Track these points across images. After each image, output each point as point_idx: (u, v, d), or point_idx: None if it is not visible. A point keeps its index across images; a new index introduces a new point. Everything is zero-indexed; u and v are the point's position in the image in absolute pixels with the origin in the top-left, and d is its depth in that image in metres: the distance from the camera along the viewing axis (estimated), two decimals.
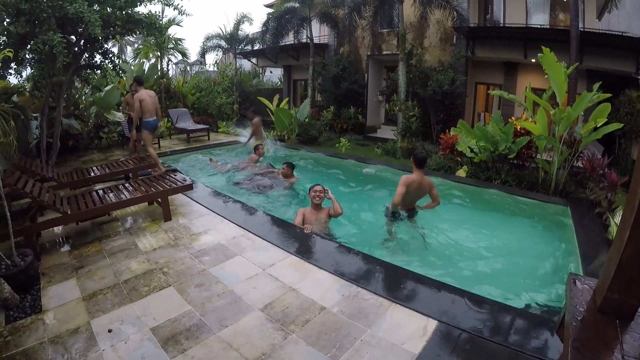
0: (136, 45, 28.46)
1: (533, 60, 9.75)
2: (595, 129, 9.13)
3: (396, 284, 4.70)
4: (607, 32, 14.27)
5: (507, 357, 3.45)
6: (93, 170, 8.20)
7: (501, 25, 17.61)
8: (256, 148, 11.27)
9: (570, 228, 7.38)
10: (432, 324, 3.87)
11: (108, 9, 8.93)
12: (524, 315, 4.21)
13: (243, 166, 11.03)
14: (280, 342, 3.56)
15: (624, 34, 12.90)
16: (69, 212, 5.65)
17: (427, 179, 6.82)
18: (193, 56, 25.86)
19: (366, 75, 20.35)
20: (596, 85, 9.66)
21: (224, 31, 22.25)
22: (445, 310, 4.13)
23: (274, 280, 4.70)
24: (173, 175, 7.72)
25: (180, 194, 7.67)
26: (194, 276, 4.80)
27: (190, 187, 7.17)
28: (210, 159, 11.37)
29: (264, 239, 5.87)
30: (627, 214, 1.75)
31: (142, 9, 11.13)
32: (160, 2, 10.12)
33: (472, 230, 7.28)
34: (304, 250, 5.55)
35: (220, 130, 18.73)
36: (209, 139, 16.09)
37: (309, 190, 6.82)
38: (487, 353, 3.51)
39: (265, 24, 19.76)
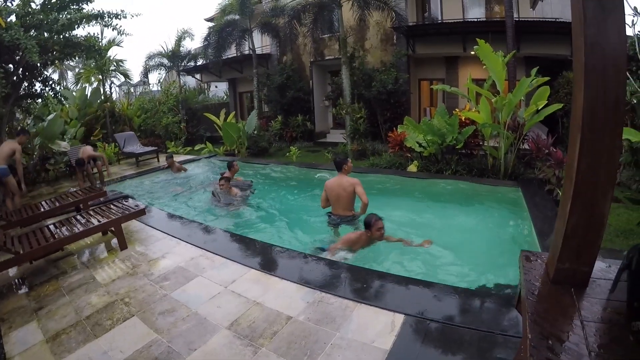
0: (77, 70, 27.75)
1: (472, 53, 10.05)
2: (537, 111, 9.46)
3: (359, 284, 4.71)
4: (542, 19, 14.81)
5: (477, 339, 3.52)
6: (42, 205, 7.85)
7: (439, 21, 18.08)
8: (230, 166, 10.45)
9: (524, 207, 7.65)
10: (400, 318, 3.90)
11: (45, 34, 8.66)
12: (488, 297, 4.32)
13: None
14: (251, 358, 3.52)
15: (557, 20, 13.42)
16: (22, 252, 5.40)
17: (348, 178, 6.98)
18: (136, 77, 25.36)
19: (311, 81, 20.46)
20: (534, 70, 10.08)
21: (165, 49, 21.87)
22: (411, 303, 4.18)
23: (237, 297, 4.63)
24: (125, 202, 7.51)
25: (134, 220, 7.45)
26: (156, 303, 4.67)
27: (142, 212, 7.00)
28: (213, 192, 9.95)
29: (222, 257, 5.78)
30: (567, 187, 1.83)
31: (80, 32, 10.89)
32: (98, 24, 9.91)
33: (429, 222, 7.46)
34: (264, 263, 5.51)
35: (169, 150, 18.35)
36: (158, 161, 15.75)
37: (370, 225, 5.97)
38: (457, 339, 3.57)
39: (207, 38, 19.58)
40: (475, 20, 17.06)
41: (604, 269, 1.98)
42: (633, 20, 7.70)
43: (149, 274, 5.50)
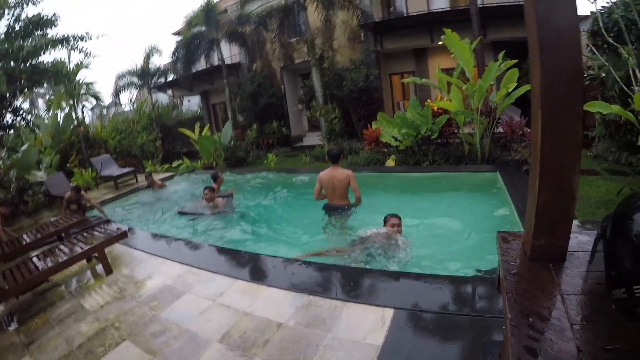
0: (47, 97, 27.30)
1: (440, 43, 10.16)
2: (508, 94, 9.61)
3: (346, 283, 4.72)
4: (505, 4, 15.00)
5: (467, 325, 3.56)
6: (24, 238, 7.71)
7: (405, 15, 18.16)
8: (216, 178, 10.39)
9: (503, 189, 7.82)
10: (389, 313, 3.90)
11: (11, 62, 8.52)
12: (476, 282, 4.37)
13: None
14: None
15: (520, 3, 13.61)
16: (7, 288, 5.31)
17: (343, 170, 7.07)
18: (107, 98, 25.02)
19: (282, 86, 20.48)
20: (501, 54, 10.28)
21: (134, 67, 21.63)
22: (399, 296, 4.20)
23: (226, 309, 4.60)
24: (106, 226, 7.41)
25: (118, 244, 7.35)
26: (146, 324, 4.61)
27: (125, 235, 6.90)
28: (179, 211, 9.87)
29: (208, 271, 5.73)
30: (534, 164, 1.84)
31: (47, 58, 10.69)
32: (64, 48, 9.78)
33: (412, 213, 7.44)
34: (250, 273, 5.50)
35: (147, 170, 18.08)
36: (137, 181, 15.53)
37: (384, 222, 6.06)
38: (448, 326, 3.60)
39: (175, 53, 19.46)
40: (440, 10, 17.22)
41: (581, 242, 1.99)
42: None
43: (137, 296, 5.44)
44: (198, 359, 3.75)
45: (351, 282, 4.69)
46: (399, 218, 5.97)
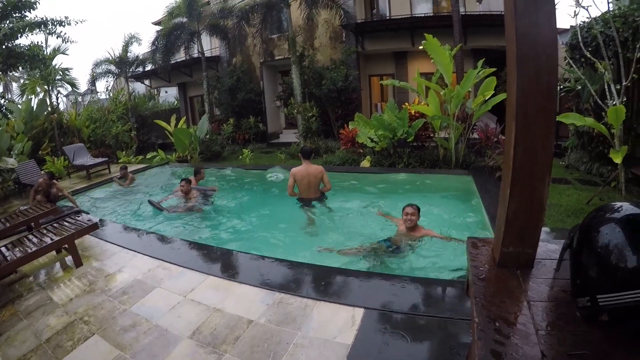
0: (22, 81, 26.60)
1: (420, 47, 10.29)
2: (485, 101, 9.78)
3: (317, 282, 4.75)
4: (487, 13, 15.23)
5: (437, 326, 3.63)
6: None
7: (387, 18, 18.29)
8: (197, 172, 10.30)
9: (476, 194, 7.95)
10: (360, 313, 3.94)
11: None
12: (446, 284, 4.46)
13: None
14: None
15: (502, 13, 13.86)
16: None
17: (315, 166, 7.78)
18: (83, 85, 24.44)
19: (261, 82, 20.40)
20: (480, 62, 10.44)
21: (112, 55, 21.20)
22: (370, 296, 4.24)
23: (197, 305, 4.57)
24: (77, 217, 7.27)
25: (88, 236, 7.22)
26: (116, 318, 4.55)
27: (96, 226, 6.77)
28: (150, 202, 9.67)
29: (180, 266, 5.67)
30: (506, 173, 1.90)
31: (23, 41, 10.36)
32: (42, 32, 9.58)
33: (375, 215, 7.56)
34: (222, 269, 5.47)
35: (120, 160, 17.67)
36: (110, 172, 15.24)
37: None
38: (417, 327, 3.65)
39: (155, 43, 19.16)
40: (423, 15, 17.47)
41: (549, 250, 2.05)
42: (575, 11, 8.06)
43: (107, 289, 5.35)
44: (168, 355, 3.72)
45: (322, 281, 4.71)
46: (414, 207, 5.93)
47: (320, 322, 3.89)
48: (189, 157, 16.01)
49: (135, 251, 6.50)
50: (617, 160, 6.85)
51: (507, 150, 1.86)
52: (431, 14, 18.09)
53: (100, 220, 7.91)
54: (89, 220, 6.93)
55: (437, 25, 15.59)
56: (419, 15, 17.80)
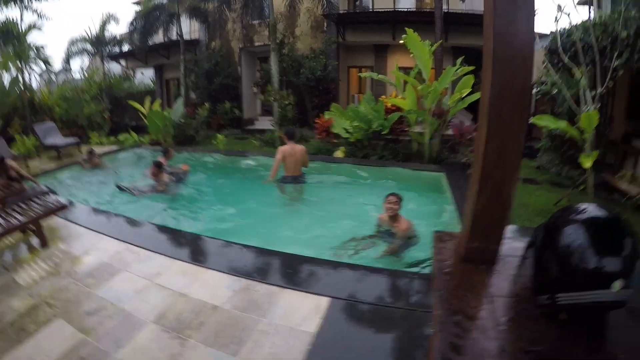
0: None
1: (401, 42, 10.33)
2: (462, 99, 9.90)
3: (284, 269, 4.76)
4: (470, 12, 15.36)
5: (400, 317, 3.66)
6: None
7: (370, 10, 18.30)
8: (166, 151, 10.17)
9: (448, 190, 8.06)
10: (325, 301, 3.94)
11: None
12: (412, 276, 4.47)
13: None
14: (179, 350, 3.46)
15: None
16: None
17: (299, 146, 8.41)
18: (58, 64, 23.81)
19: (239, 68, 20.19)
20: (459, 60, 10.55)
21: (89, 34, 20.76)
22: (336, 286, 4.26)
23: (163, 289, 4.52)
24: (45, 198, 7.09)
25: (56, 217, 7.05)
26: (81, 302, 4.46)
27: (64, 207, 6.63)
28: (118, 185, 9.37)
29: (148, 250, 5.56)
30: (476, 170, 1.93)
31: None
32: (17, 6, 9.32)
33: (354, 206, 7.68)
34: (190, 254, 5.43)
35: (92, 141, 17.06)
36: (81, 152, 14.76)
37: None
38: (381, 318, 3.69)
39: (133, 23, 18.84)
40: (406, 10, 17.52)
41: (513, 247, 2.08)
42: (556, 16, 8.16)
43: (73, 272, 5.23)
44: (132, 339, 3.67)
45: (289, 269, 4.72)
46: (396, 196, 5.91)
47: (285, 310, 3.89)
48: (162, 141, 15.60)
49: (103, 234, 6.35)
50: (587, 164, 6.98)
51: (478, 148, 1.89)
52: (414, 9, 18.19)
53: (69, 201, 7.75)
54: (57, 202, 6.77)
55: (420, 20, 15.63)
56: (402, 9, 17.83)
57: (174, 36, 19.44)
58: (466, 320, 1.57)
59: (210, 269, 4.87)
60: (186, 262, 5.13)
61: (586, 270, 1.39)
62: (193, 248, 5.66)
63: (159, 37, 20.92)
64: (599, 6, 14.08)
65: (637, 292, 1.67)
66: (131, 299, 4.38)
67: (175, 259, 5.22)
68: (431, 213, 7.18)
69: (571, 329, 1.52)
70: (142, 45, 18.71)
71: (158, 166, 8.92)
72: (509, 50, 1.72)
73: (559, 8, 8.11)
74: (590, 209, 1.56)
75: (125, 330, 3.82)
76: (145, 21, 18.19)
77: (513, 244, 2.12)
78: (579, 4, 16.50)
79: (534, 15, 1.74)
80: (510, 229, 2.19)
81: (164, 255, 5.36)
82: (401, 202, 5.89)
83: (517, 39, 1.72)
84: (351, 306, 3.87)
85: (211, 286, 4.50)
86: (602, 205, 1.59)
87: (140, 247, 5.67)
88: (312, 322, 3.64)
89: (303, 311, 3.83)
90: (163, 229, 6.48)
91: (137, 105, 16.69)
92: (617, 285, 1.35)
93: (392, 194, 5.91)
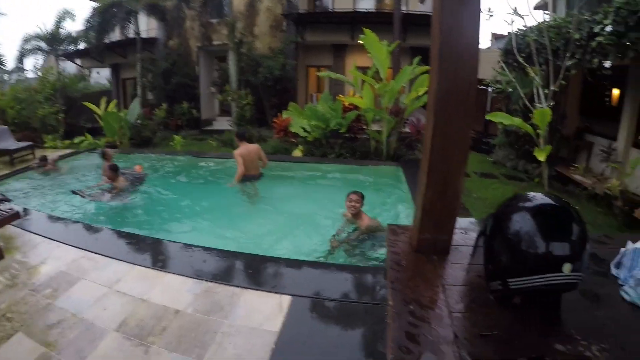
0: None
1: (360, 41, 10.47)
2: (418, 97, 10.08)
3: (245, 270, 4.76)
4: (429, 13, 15.67)
5: (362, 311, 3.72)
6: None
7: (330, 10, 18.42)
8: (104, 154, 9.80)
9: (405, 186, 8.23)
10: (287, 300, 3.97)
11: None
12: (373, 271, 4.55)
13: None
14: (143, 357, 3.42)
15: None
16: None
17: (253, 145, 8.57)
18: (11, 63, 22.83)
19: (197, 67, 19.92)
20: (416, 60, 10.79)
21: (43, 31, 20.05)
22: (297, 284, 4.29)
23: (123, 296, 4.44)
24: None
25: (9, 226, 6.78)
26: (40, 314, 4.32)
27: (17, 216, 6.36)
28: (73, 191, 9.07)
29: (106, 256, 5.42)
30: (424, 163, 2.00)
31: None
32: None
33: (314, 203, 7.77)
34: (149, 258, 5.33)
35: (47, 145, 16.28)
36: (34, 157, 14.21)
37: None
38: (344, 314, 3.74)
39: (89, 20, 18.18)
40: (365, 10, 17.71)
41: (466, 237, 2.16)
42: (512, 19, 8.46)
43: (30, 283, 5.06)
44: (94, 349, 3.61)
45: (250, 269, 4.71)
46: (358, 194, 5.93)
47: (247, 310, 3.89)
48: (118, 143, 15.16)
49: (59, 242, 6.16)
50: (541, 158, 7.25)
51: (426, 143, 1.96)
52: (373, 10, 18.44)
53: (24, 209, 7.51)
54: (10, 209, 6.53)
55: (379, 21, 15.91)
56: (362, 10, 18.02)
57: (131, 34, 19.00)
58: (420, 309, 1.63)
59: (171, 272, 4.81)
60: (146, 267, 5.05)
61: (535, 255, 1.46)
62: (152, 252, 5.54)
63: (115, 35, 20.40)
64: (554, 10, 14.62)
65: (592, 275, 1.78)
66: (91, 308, 4.29)
67: (135, 264, 5.12)
68: (390, 208, 7.31)
69: (525, 313, 1.59)
70: (98, 43, 18.18)
71: (114, 169, 8.60)
72: (455, 50, 1.79)
73: (515, 11, 8.38)
74: (537, 197, 1.62)
75: (87, 340, 3.75)
76: (102, 18, 17.62)
77: (466, 234, 2.20)
78: (535, 8, 17.12)
79: (480, 17, 1.81)
80: (463, 221, 2.27)
81: (123, 261, 5.25)
82: (363, 200, 5.94)
83: (462, 39, 1.79)
84: (314, 304, 3.90)
85: (172, 290, 4.45)
86: (549, 194, 1.65)
87: (98, 253, 5.52)
88: (274, 322, 3.66)
89: (265, 311, 3.84)
90: (121, 233, 6.31)
91: (92, 107, 16.18)
92: (567, 268, 1.41)
93: (354, 192, 5.96)
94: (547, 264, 1.44)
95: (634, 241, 1.95)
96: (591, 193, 8.03)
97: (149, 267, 5.03)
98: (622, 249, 1.93)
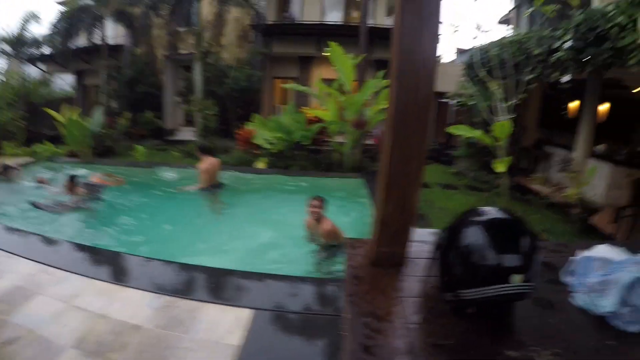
0: None
1: (326, 54, 10.61)
2: (382, 110, 10.25)
3: (205, 283, 4.72)
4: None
5: (324, 323, 3.75)
6: None
7: (298, 22, 18.52)
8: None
9: (367, 198, 8.40)
10: (248, 313, 3.95)
11: None
12: (334, 283, 4.57)
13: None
14: None
15: None
16: None
17: (214, 159, 8.90)
18: None
19: (163, 76, 19.77)
20: (380, 73, 10.99)
21: (7, 33, 19.50)
22: (259, 297, 4.28)
23: (82, 312, 4.31)
24: None
25: None
26: None
27: None
28: (33, 203, 8.58)
29: (63, 270, 5.24)
30: (382, 178, 2.02)
31: None
32: None
33: (276, 217, 7.77)
34: (107, 272, 5.21)
35: (6, 152, 15.49)
36: None
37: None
38: (306, 326, 3.78)
39: (56, 24, 17.79)
40: (332, 23, 17.93)
41: (422, 250, 2.19)
42: (475, 34, 8.74)
43: None
44: None
45: (211, 283, 4.68)
46: (318, 199, 5.97)
47: (208, 325, 3.86)
48: (80, 152, 14.70)
49: (15, 254, 5.90)
50: (501, 169, 7.44)
51: (384, 158, 1.99)
52: (341, 23, 18.70)
53: None
54: None
55: (346, 34, 16.03)
56: (329, 23, 18.31)
57: (97, 40, 18.66)
58: (376, 321, 1.65)
59: (130, 287, 4.71)
60: (104, 281, 4.91)
61: (487, 267, 1.50)
62: (111, 266, 5.40)
63: (81, 41, 19.94)
64: (517, 25, 15.11)
65: (545, 283, 1.85)
66: (49, 324, 4.14)
67: (93, 278, 4.98)
68: (352, 220, 7.37)
69: (479, 322, 1.63)
70: (63, 48, 17.80)
71: (73, 180, 8.44)
72: (413, 66, 1.84)
73: (478, 26, 8.62)
74: (489, 211, 1.68)
75: (45, 358, 3.65)
76: (69, 22, 17.28)
77: (422, 246, 2.24)
78: (499, 22, 17.66)
79: (439, 33, 1.87)
80: (422, 232, 2.32)
81: (81, 275, 5.09)
82: (324, 205, 6.00)
83: (421, 56, 1.84)
84: (276, 317, 3.90)
85: (131, 305, 4.36)
86: (502, 208, 1.71)
87: (56, 267, 5.31)
88: (236, 335, 3.64)
89: (226, 325, 3.82)
90: (79, 246, 6.11)
91: (54, 114, 15.70)
92: (517, 279, 1.46)
93: (315, 198, 6.01)
94: (498, 275, 1.48)
95: (586, 249, 2.03)
96: (549, 202, 8.49)
97: (108, 282, 4.90)
98: (574, 257, 2.00)
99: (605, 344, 1.57)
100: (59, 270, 5.25)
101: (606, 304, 1.68)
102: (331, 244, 5.94)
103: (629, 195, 8.41)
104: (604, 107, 11.08)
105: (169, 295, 4.44)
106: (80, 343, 3.77)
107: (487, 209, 1.69)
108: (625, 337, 1.60)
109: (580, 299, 1.79)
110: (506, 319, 1.65)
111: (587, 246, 2.05)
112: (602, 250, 1.95)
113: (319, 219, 5.95)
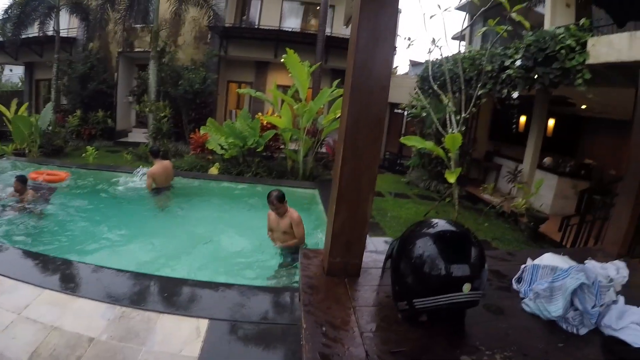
0: None
1: (282, 60, 10.65)
2: (336, 119, 10.43)
3: (160, 293, 4.63)
4: None
5: (281, 332, 3.80)
6: None
7: (256, 26, 18.58)
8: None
9: (320, 206, 8.40)
10: (204, 324, 3.93)
11: None
12: (289, 292, 4.64)
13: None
14: None
15: None
16: None
17: (166, 162, 8.97)
18: None
19: (116, 74, 19.16)
20: (335, 82, 11.22)
21: None
22: (214, 307, 4.26)
23: (33, 323, 4.13)
24: None
25: None
26: None
27: None
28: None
29: (12, 278, 4.99)
30: (334, 190, 2.08)
31: None
32: None
33: (227, 224, 7.70)
34: (59, 281, 5.00)
35: None
36: None
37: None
38: (263, 335, 3.78)
39: (7, 11, 16.89)
40: (290, 30, 18.05)
41: (375, 259, 2.26)
42: (430, 48, 8.99)
43: None
44: None
45: (165, 293, 4.59)
46: (276, 191, 5.87)
47: (164, 336, 3.82)
48: (27, 150, 14.02)
49: None
50: (452, 179, 7.67)
51: (336, 170, 2.06)
52: (298, 30, 18.88)
53: None
54: None
55: (303, 41, 16.22)
56: (287, 29, 18.44)
57: (50, 31, 17.94)
58: (333, 330, 1.69)
59: (83, 297, 4.56)
60: (56, 290, 4.72)
61: (437, 276, 1.57)
62: (63, 274, 5.18)
63: (33, 31, 19.11)
64: (470, 41, 15.59)
65: (495, 290, 1.97)
66: None
67: (44, 287, 4.76)
68: (307, 229, 7.33)
69: (433, 329, 1.70)
70: (14, 37, 17.05)
71: (22, 181, 7.87)
72: (368, 82, 1.91)
73: (433, 41, 8.86)
74: (439, 223, 1.74)
75: None
76: (22, 10, 16.53)
77: (375, 256, 2.31)
78: (452, 38, 18.14)
79: (394, 51, 1.95)
80: (376, 240, 2.39)
81: (31, 284, 4.85)
82: (284, 198, 5.91)
83: (374, 73, 1.90)
84: (232, 326, 3.90)
85: (85, 316, 4.22)
86: (451, 220, 1.79)
87: (4, 275, 5.11)
88: (193, 346, 3.62)
89: (182, 335, 3.79)
90: (28, 253, 5.81)
91: (2, 108, 15.09)
92: (467, 287, 1.53)
93: (272, 191, 5.91)
94: (448, 284, 1.55)
95: (533, 257, 2.14)
96: (499, 211, 8.92)
97: (59, 291, 4.71)
98: (523, 265, 2.11)
99: (555, 346, 1.67)
100: (7, 279, 4.99)
101: (554, 309, 1.79)
102: (290, 250, 5.97)
103: (574, 205, 8.94)
104: (551, 122, 11.66)
105: (123, 305, 4.35)
106: (34, 357, 3.63)
107: (436, 220, 1.76)
108: (573, 338, 1.72)
109: (529, 305, 1.90)
110: (458, 325, 1.73)
111: (535, 254, 2.19)
112: (548, 258, 2.09)
113: (282, 211, 5.92)
